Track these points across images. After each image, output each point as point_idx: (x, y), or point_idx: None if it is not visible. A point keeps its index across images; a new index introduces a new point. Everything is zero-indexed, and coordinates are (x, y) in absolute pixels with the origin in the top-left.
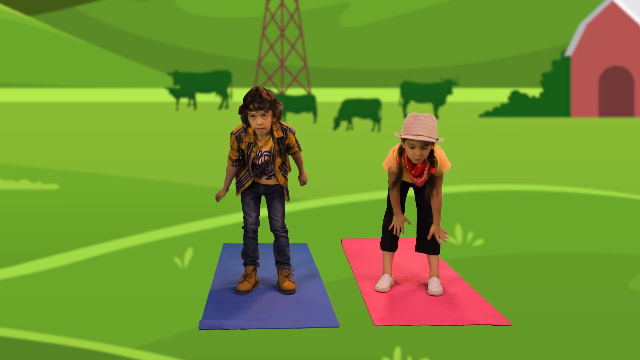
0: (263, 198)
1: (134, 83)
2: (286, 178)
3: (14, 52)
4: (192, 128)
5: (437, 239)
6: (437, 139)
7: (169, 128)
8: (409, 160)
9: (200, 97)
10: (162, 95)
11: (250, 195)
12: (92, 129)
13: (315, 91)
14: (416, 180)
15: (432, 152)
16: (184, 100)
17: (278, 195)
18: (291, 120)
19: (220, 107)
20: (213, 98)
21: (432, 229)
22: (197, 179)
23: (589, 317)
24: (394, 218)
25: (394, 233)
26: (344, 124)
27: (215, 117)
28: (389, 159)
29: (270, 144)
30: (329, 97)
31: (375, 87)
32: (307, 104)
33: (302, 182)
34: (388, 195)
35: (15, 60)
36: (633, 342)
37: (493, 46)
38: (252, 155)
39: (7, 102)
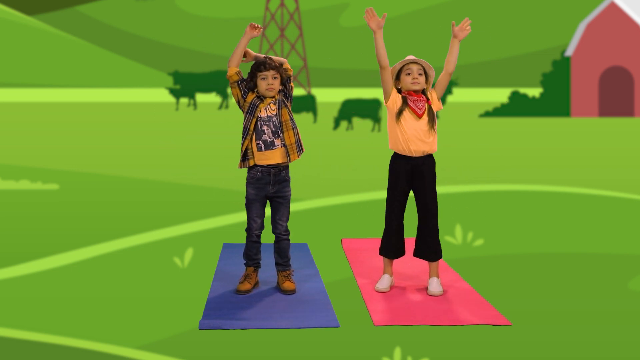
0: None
1: (134, 83)
2: (296, 135)
3: (14, 52)
4: (192, 128)
5: (464, 27)
6: (430, 67)
7: (169, 128)
8: (407, 92)
9: (200, 97)
10: (162, 95)
11: (259, 200)
12: (92, 129)
13: (315, 91)
14: (417, 101)
15: (424, 91)
16: (184, 100)
17: (286, 200)
18: None
19: (220, 107)
20: (213, 98)
21: (454, 29)
22: (197, 179)
23: (589, 317)
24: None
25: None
26: (344, 124)
27: (215, 117)
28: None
29: (277, 96)
30: (329, 97)
31: (376, 87)
32: (307, 104)
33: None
34: (388, 199)
35: (15, 60)
36: (633, 342)
37: (493, 46)
38: (262, 105)
39: (7, 102)
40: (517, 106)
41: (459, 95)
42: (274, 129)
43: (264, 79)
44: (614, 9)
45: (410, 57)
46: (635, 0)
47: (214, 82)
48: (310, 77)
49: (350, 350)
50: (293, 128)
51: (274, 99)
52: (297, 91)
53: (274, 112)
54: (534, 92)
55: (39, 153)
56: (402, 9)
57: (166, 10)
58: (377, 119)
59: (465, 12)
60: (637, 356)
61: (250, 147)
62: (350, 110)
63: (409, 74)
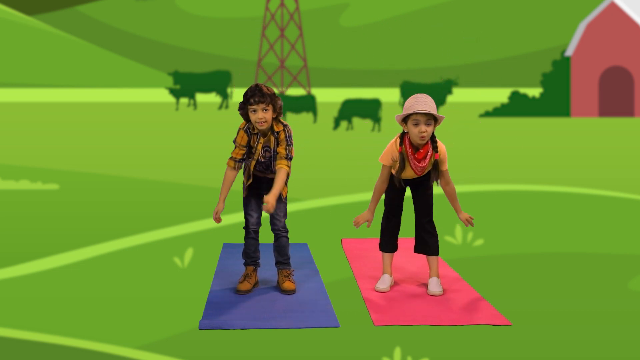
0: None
1: (134, 83)
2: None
3: (14, 52)
4: (192, 128)
5: (466, 224)
6: (440, 116)
7: (169, 128)
8: (411, 145)
9: (200, 97)
10: (162, 95)
11: (253, 196)
12: (92, 129)
13: (315, 91)
14: (418, 165)
15: (434, 137)
16: (184, 100)
17: (281, 196)
18: (291, 120)
19: (220, 107)
20: (213, 98)
21: (461, 216)
22: (197, 179)
23: (589, 317)
24: (366, 212)
25: (355, 225)
26: (344, 124)
27: (215, 117)
28: (387, 151)
29: (271, 139)
30: (329, 97)
31: (375, 87)
32: (307, 104)
33: (265, 207)
34: (386, 197)
35: (15, 60)
36: (633, 342)
37: (493, 46)
38: (259, 147)
39: (7, 102)
40: (517, 106)
41: (459, 95)
42: (269, 166)
43: (254, 112)
44: (614, 9)
45: (419, 102)
46: (635, 0)
47: (214, 82)
48: (310, 77)
49: (350, 350)
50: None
51: (268, 147)
52: (297, 91)
53: (269, 156)
54: (534, 92)
55: (39, 153)
56: (402, 9)
57: (166, 10)
58: (377, 119)
59: (465, 12)
60: (637, 356)
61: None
62: (350, 110)
63: (416, 124)
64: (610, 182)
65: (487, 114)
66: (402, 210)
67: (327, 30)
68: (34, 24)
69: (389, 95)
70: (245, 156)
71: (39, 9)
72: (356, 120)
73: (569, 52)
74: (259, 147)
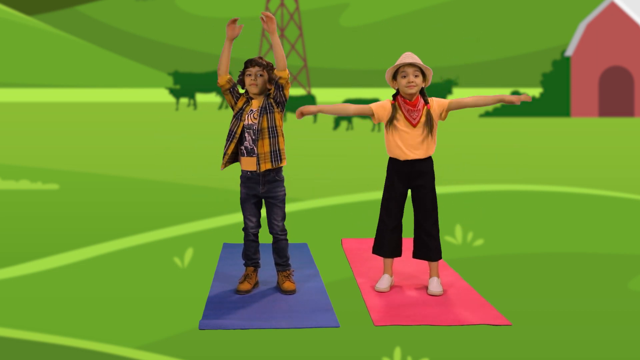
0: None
1: (134, 83)
2: (272, 145)
3: (14, 52)
4: (192, 128)
5: (519, 99)
6: (427, 68)
7: (169, 128)
8: (403, 98)
9: (200, 97)
10: (162, 95)
11: (251, 199)
12: (92, 129)
13: (315, 91)
14: (412, 110)
15: (424, 93)
16: (184, 100)
17: (279, 200)
18: (292, 120)
19: (220, 107)
20: (213, 98)
21: (509, 99)
22: (197, 179)
23: (589, 317)
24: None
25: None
26: (344, 124)
27: (215, 117)
28: (380, 103)
29: (263, 100)
30: (329, 97)
31: (375, 87)
32: (307, 104)
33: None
34: (383, 198)
35: (15, 60)
36: (633, 342)
37: (493, 46)
38: (247, 109)
39: (7, 102)
40: (517, 106)
41: (459, 95)
42: (254, 137)
43: (249, 75)
44: (614, 9)
45: (407, 56)
46: (635, 0)
47: (214, 82)
48: (310, 77)
49: (350, 350)
50: (270, 137)
51: (258, 109)
52: (297, 91)
53: (256, 120)
54: (534, 92)
55: (39, 153)
56: (402, 9)
57: (166, 10)
58: None
59: (465, 12)
60: (637, 356)
61: (235, 151)
62: None
63: (404, 76)
64: (610, 182)
65: (487, 114)
66: (399, 215)
67: (327, 30)
68: (34, 24)
69: (388, 95)
70: (233, 86)
71: (39, 9)
72: (356, 120)
73: (569, 52)
74: (247, 109)
